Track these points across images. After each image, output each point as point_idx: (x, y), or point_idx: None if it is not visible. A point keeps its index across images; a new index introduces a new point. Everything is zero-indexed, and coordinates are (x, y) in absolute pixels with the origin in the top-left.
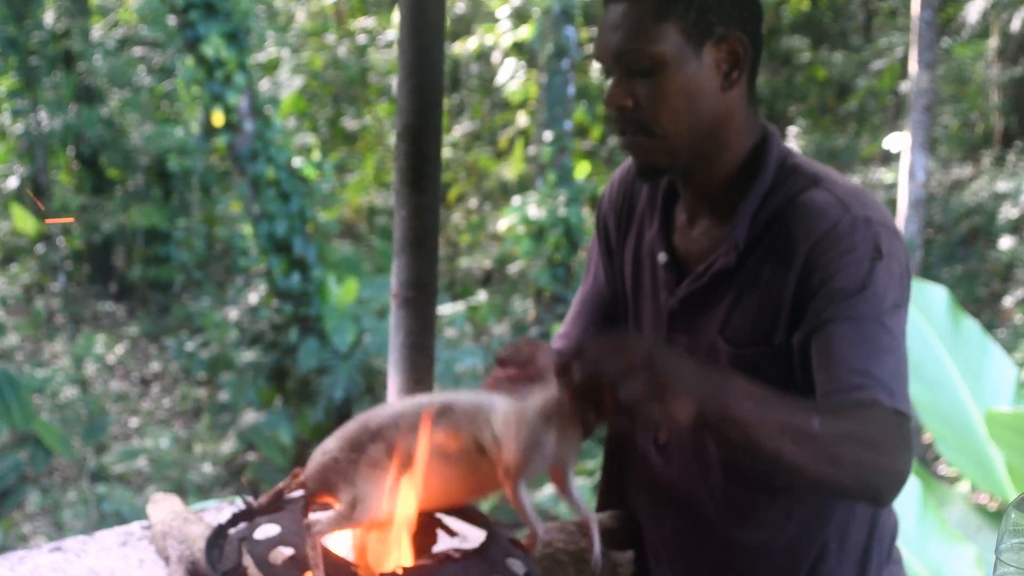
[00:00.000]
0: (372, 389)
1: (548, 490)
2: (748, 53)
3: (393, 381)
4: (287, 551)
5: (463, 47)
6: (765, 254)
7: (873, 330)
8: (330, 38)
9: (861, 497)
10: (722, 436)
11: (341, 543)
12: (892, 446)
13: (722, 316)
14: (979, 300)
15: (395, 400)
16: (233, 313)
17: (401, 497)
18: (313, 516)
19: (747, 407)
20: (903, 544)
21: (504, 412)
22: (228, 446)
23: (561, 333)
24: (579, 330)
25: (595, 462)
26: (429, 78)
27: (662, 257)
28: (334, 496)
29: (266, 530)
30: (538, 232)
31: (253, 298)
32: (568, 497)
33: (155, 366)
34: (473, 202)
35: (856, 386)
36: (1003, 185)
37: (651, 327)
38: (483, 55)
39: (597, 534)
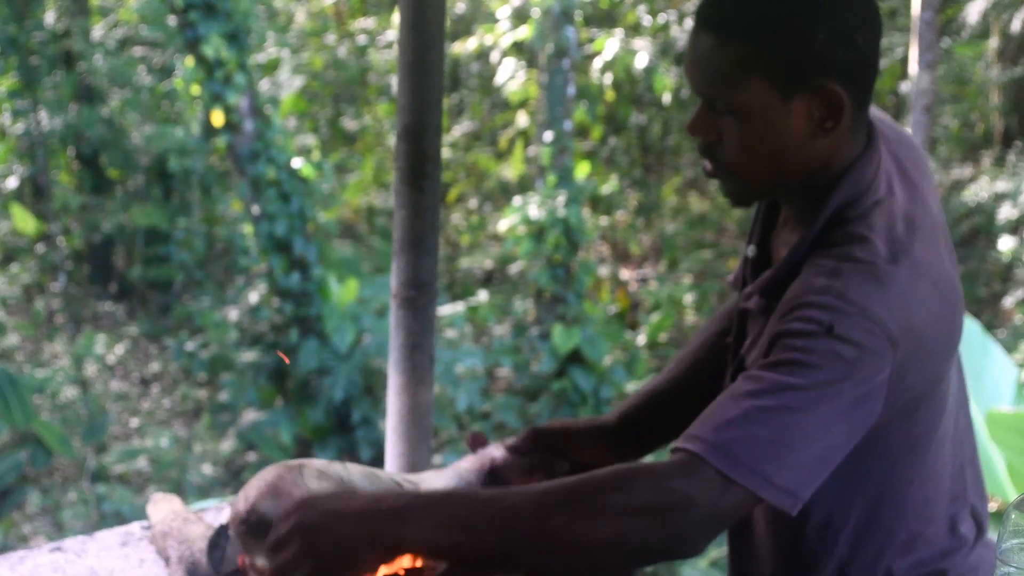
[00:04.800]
0: (372, 389)
1: None
2: (847, 102)
3: (393, 381)
4: None
5: (463, 47)
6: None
7: (765, 403)
8: (330, 38)
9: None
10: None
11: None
12: (673, 506)
13: (750, 338)
14: (979, 300)
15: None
16: (233, 313)
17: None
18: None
19: (446, 530)
20: None
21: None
22: (228, 446)
23: None
24: None
25: None
26: (429, 78)
27: (751, 250)
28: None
29: None
30: (538, 232)
31: (253, 298)
32: None
33: (155, 366)
34: (473, 202)
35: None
36: (1003, 185)
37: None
38: (483, 55)
39: None
